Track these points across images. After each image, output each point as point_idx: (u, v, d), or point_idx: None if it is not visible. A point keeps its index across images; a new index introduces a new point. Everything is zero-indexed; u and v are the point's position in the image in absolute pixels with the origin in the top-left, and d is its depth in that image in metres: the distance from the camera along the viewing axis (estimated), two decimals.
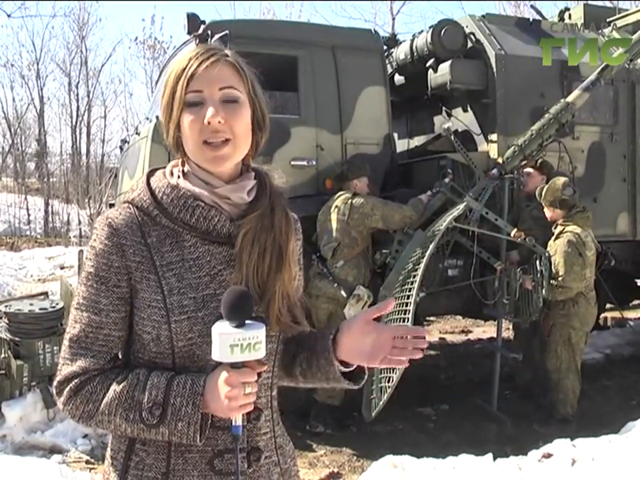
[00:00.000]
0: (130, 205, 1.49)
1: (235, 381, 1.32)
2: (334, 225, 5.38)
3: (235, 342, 1.31)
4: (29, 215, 20.73)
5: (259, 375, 1.40)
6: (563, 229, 5.44)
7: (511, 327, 8.42)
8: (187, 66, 1.43)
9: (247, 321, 1.34)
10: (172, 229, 1.46)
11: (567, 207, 5.47)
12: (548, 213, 5.58)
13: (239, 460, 1.40)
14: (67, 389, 1.41)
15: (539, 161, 5.95)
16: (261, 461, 1.49)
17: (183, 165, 1.53)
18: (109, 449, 1.53)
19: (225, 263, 1.47)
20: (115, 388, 1.39)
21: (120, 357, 1.50)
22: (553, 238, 5.48)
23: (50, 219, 20.51)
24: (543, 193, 5.51)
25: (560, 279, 5.27)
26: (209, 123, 1.41)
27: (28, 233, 19.85)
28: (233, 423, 1.36)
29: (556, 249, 5.38)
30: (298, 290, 1.62)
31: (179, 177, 1.51)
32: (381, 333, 1.46)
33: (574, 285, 5.30)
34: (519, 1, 19.33)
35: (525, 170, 5.97)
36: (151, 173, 1.56)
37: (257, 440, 1.49)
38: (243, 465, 1.45)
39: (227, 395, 1.33)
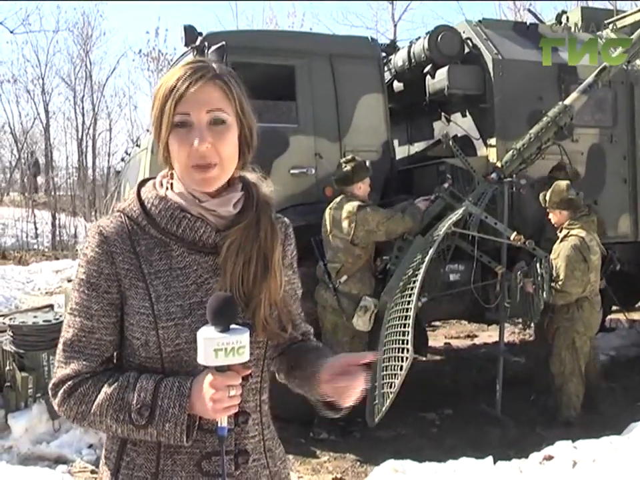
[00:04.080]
0: (121, 214, 1.54)
1: (219, 383, 1.37)
2: (338, 243, 5.34)
3: (218, 346, 1.35)
4: (36, 228, 20.80)
5: (246, 378, 1.45)
6: (568, 232, 5.42)
7: (516, 330, 8.47)
8: (174, 87, 1.46)
9: (231, 326, 1.38)
10: (160, 238, 1.51)
11: (574, 207, 5.44)
12: (554, 217, 5.54)
13: (225, 462, 1.44)
14: (61, 390, 1.47)
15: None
16: (249, 464, 1.53)
17: (172, 177, 1.57)
18: (103, 449, 1.59)
19: (211, 271, 1.51)
20: (106, 390, 1.45)
21: (114, 360, 1.55)
22: (558, 241, 5.47)
23: (57, 232, 20.59)
24: (548, 197, 5.49)
25: (560, 283, 5.26)
26: (196, 149, 1.44)
27: (36, 246, 19.92)
28: (219, 425, 1.41)
29: (559, 252, 5.36)
30: (288, 294, 1.65)
31: (167, 188, 1.55)
32: (355, 377, 1.48)
33: (573, 291, 5.29)
34: (518, 1, 19.30)
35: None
36: (142, 184, 1.61)
37: (245, 443, 1.53)
38: (230, 467, 1.49)
39: (212, 398, 1.37)
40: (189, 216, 1.50)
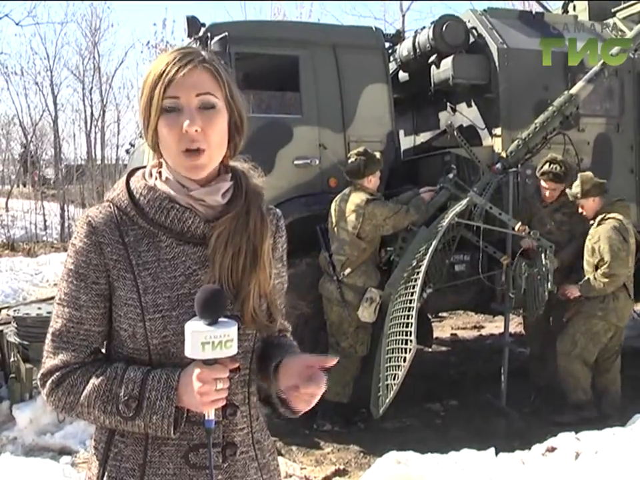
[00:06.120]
0: (110, 204, 1.53)
1: (206, 377, 1.36)
2: (344, 236, 5.31)
3: (206, 339, 1.34)
4: (45, 220, 20.83)
5: (234, 371, 1.45)
6: (604, 216, 5.35)
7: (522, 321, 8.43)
8: (164, 71, 1.45)
9: (219, 319, 1.37)
10: (148, 229, 1.49)
11: (604, 191, 5.41)
12: (587, 207, 5.43)
13: (213, 454, 1.44)
14: (50, 381, 1.47)
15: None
16: (237, 456, 1.52)
17: (160, 166, 1.55)
18: (92, 440, 1.58)
19: (199, 263, 1.50)
20: (94, 381, 1.44)
21: (102, 350, 1.55)
22: (595, 225, 5.38)
23: (66, 224, 20.60)
24: (579, 188, 5.40)
25: (605, 266, 5.14)
26: (186, 131, 1.43)
27: (44, 238, 19.95)
28: (206, 417, 1.40)
29: (599, 235, 5.26)
30: (276, 288, 1.63)
31: (156, 178, 1.54)
32: (317, 384, 1.45)
33: (621, 272, 5.17)
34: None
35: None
36: (131, 173, 1.59)
37: (233, 435, 1.52)
38: (217, 460, 1.48)
39: (199, 391, 1.37)
40: (178, 206, 1.49)
